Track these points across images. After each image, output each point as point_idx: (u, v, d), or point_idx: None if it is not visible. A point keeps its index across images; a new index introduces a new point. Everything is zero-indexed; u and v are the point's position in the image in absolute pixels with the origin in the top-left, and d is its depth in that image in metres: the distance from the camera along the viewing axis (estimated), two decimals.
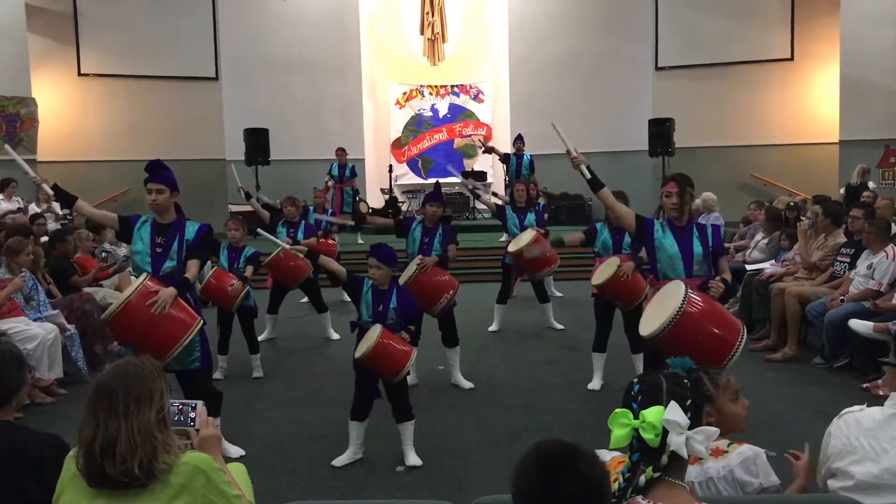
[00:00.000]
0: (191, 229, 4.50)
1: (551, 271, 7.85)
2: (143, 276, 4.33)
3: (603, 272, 5.86)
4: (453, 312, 6.37)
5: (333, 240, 9.61)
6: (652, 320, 3.98)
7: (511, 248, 7.60)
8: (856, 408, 2.61)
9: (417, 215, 6.51)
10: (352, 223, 5.83)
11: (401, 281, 5.60)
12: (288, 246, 5.80)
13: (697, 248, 4.36)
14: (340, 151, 13.53)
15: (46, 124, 14.71)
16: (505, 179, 14.71)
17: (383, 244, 4.90)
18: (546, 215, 8.72)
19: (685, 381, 2.00)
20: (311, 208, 9.75)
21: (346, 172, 13.24)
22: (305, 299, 8.77)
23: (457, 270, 9.79)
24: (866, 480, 2.43)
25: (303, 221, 8.32)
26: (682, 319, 3.80)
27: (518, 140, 13.05)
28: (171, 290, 4.24)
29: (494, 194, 13.25)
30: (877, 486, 2.41)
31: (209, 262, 6.62)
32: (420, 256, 6.17)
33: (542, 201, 11.67)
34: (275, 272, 7.79)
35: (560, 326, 8.36)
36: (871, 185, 10.81)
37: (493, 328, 8.33)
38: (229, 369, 6.76)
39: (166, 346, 4.20)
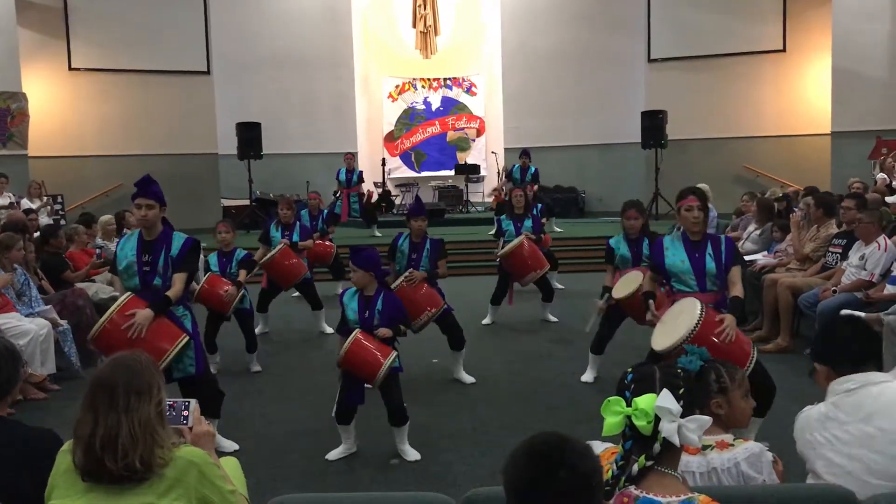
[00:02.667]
0: (176, 242, 4.47)
1: (538, 276, 7.84)
2: (126, 294, 4.34)
3: (625, 286, 5.73)
4: (455, 317, 6.33)
5: (330, 240, 9.56)
6: (666, 336, 3.98)
7: (499, 253, 7.75)
8: (808, 407, 2.77)
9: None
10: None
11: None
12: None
13: (710, 264, 4.30)
14: (349, 156, 13.62)
15: (37, 119, 14.63)
16: (502, 186, 14.87)
17: (364, 247, 4.90)
18: (544, 220, 8.74)
19: (679, 371, 2.00)
20: (304, 211, 9.66)
21: (354, 178, 13.29)
22: (297, 293, 8.79)
23: (450, 264, 9.81)
24: (835, 470, 2.55)
25: (297, 223, 8.21)
26: (696, 340, 3.78)
27: (524, 155, 13.14)
28: (148, 313, 4.22)
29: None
30: (846, 473, 2.51)
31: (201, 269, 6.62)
32: (410, 270, 6.13)
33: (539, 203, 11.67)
34: (271, 272, 7.75)
35: (554, 319, 8.38)
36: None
37: (486, 321, 8.33)
38: (223, 364, 6.75)
39: None
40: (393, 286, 5.82)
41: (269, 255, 7.55)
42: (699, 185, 10.81)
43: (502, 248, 7.85)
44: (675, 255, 4.38)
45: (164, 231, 4.49)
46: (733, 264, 4.38)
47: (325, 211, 10.06)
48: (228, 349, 6.86)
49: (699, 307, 3.94)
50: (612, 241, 6.34)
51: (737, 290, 4.33)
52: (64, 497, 2.16)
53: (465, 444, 4.94)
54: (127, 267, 4.43)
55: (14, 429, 2.61)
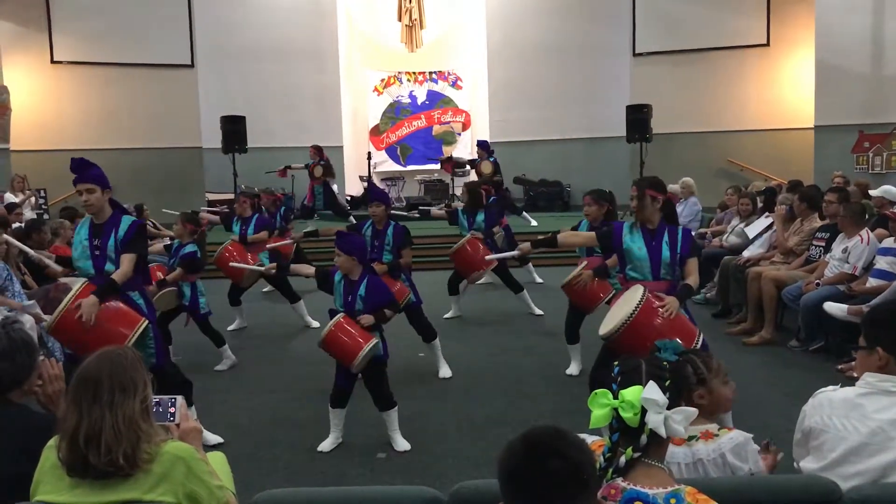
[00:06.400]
0: (124, 225, 4.41)
1: (481, 276, 7.86)
2: (82, 282, 4.29)
3: (570, 273, 5.93)
4: (421, 309, 6.35)
5: (290, 238, 9.42)
6: (609, 321, 4.07)
7: (451, 251, 7.79)
8: (830, 388, 2.68)
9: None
10: (261, 270, 6.12)
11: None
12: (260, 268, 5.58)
13: (665, 252, 4.38)
14: (313, 149, 13.62)
15: (19, 113, 14.50)
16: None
17: (349, 233, 4.94)
18: (503, 212, 8.76)
19: (665, 363, 2.02)
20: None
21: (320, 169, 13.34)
22: (268, 288, 8.85)
23: (436, 258, 9.81)
24: (839, 458, 2.50)
25: (255, 216, 8.15)
26: (635, 323, 3.87)
27: (482, 147, 13.06)
28: (92, 300, 4.14)
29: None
30: (849, 462, 2.48)
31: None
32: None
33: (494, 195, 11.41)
34: (223, 271, 7.69)
35: (539, 312, 8.40)
36: None
37: (449, 315, 8.30)
38: (206, 360, 6.69)
39: None
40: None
41: (217, 252, 7.59)
42: (683, 178, 10.92)
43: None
44: (633, 242, 4.44)
45: (113, 214, 4.44)
46: (690, 256, 4.45)
47: (283, 208, 9.98)
48: (209, 345, 6.79)
49: (641, 291, 4.03)
50: (584, 223, 6.39)
51: (691, 279, 4.41)
52: (49, 493, 2.15)
53: (451, 436, 4.94)
54: (81, 252, 4.40)
55: (20, 413, 2.62)
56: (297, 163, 14.28)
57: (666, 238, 4.42)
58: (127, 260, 4.36)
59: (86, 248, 4.38)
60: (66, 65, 15.58)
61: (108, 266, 4.36)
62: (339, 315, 4.65)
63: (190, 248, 6.56)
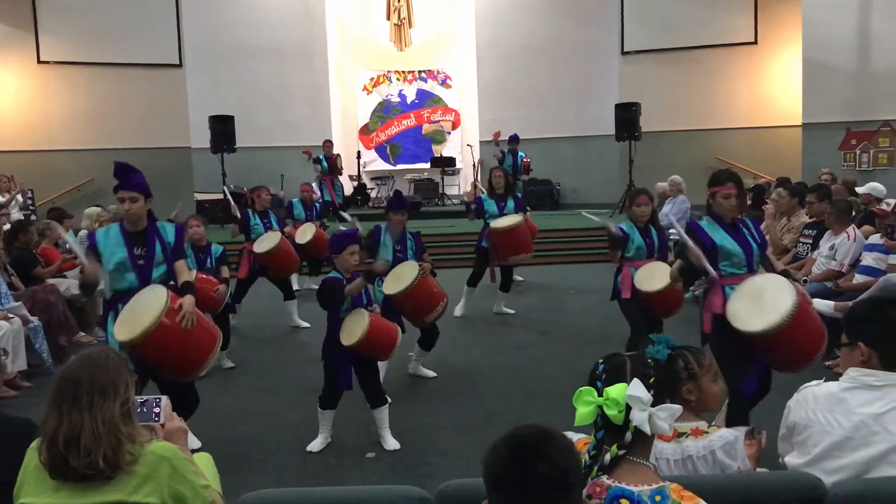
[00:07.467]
0: (168, 232, 4.23)
1: (524, 259, 7.81)
2: (163, 290, 3.97)
3: (656, 279, 5.36)
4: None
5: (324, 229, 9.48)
6: (755, 316, 3.80)
7: (494, 224, 7.67)
8: (814, 383, 2.69)
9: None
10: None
11: (400, 288, 5.48)
12: None
13: (752, 244, 4.28)
14: (328, 144, 13.65)
15: (6, 113, 14.42)
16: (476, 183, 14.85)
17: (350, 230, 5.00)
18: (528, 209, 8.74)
19: (650, 360, 2.02)
20: (295, 201, 9.70)
21: (337, 163, 13.45)
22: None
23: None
24: (823, 452, 2.52)
25: (270, 212, 8.28)
26: (794, 320, 3.71)
27: (513, 140, 13.08)
28: (191, 300, 3.98)
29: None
30: (833, 457, 2.50)
31: None
32: (419, 263, 5.81)
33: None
34: (274, 261, 7.75)
35: (511, 311, 8.40)
36: None
37: (457, 313, 8.17)
38: None
39: (199, 361, 4.03)
40: (407, 283, 5.54)
41: (272, 246, 7.61)
42: (672, 177, 10.89)
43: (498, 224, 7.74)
44: (718, 235, 4.28)
45: (150, 223, 4.20)
46: (766, 245, 4.45)
47: (319, 204, 10.06)
48: None
49: (792, 288, 3.85)
50: (625, 227, 5.96)
51: (778, 266, 4.32)
52: (32, 495, 2.14)
53: (442, 435, 4.95)
54: (119, 265, 4.10)
55: None
56: (291, 164, 14.31)
57: (744, 230, 4.31)
58: (185, 267, 4.25)
59: (124, 260, 4.09)
60: (53, 65, 15.49)
61: (155, 274, 4.13)
62: (363, 312, 4.68)
63: (217, 247, 6.75)
